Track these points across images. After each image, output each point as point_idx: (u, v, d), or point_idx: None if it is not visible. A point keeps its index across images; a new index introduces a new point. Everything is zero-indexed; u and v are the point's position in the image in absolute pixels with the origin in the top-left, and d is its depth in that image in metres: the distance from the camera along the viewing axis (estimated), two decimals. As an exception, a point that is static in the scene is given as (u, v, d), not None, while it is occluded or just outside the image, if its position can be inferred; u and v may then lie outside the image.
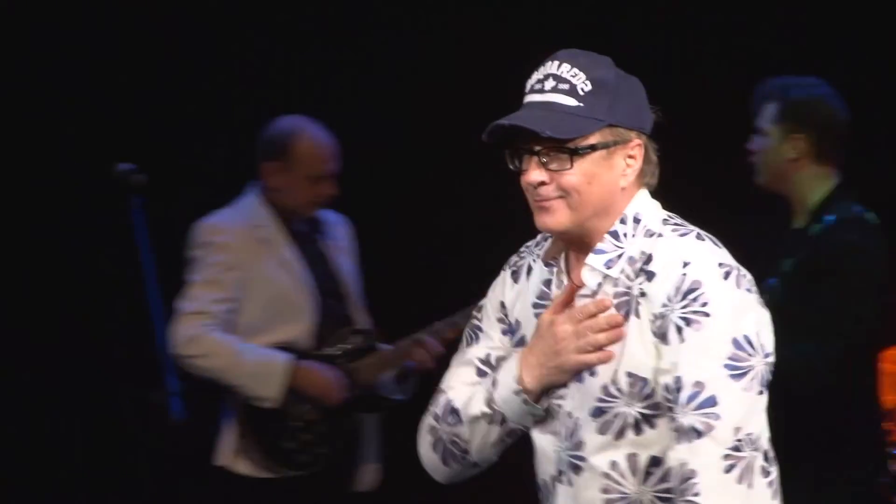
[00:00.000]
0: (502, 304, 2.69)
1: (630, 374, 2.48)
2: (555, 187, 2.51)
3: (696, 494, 2.41)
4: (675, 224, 2.57)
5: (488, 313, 2.70)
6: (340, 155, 4.66)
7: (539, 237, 2.69)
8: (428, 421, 2.69)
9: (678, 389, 2.43)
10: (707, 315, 2.44)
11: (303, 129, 4.57)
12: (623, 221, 2.55)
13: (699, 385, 2.42)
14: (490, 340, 2.69)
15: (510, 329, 2.68)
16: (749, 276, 2.52)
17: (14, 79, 5.64)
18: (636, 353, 2.48)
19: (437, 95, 5.73)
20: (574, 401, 2.54)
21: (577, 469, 2.53)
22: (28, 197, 5.77)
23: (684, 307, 2.45)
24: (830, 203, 4.03)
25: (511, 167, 2.55)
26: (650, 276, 2.50)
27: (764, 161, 4.12)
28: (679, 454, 2.43)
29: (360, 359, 4.58)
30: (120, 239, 4.21)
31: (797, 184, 4.07)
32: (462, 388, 2.66)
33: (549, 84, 2.52)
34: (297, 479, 4.45)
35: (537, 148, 2.50)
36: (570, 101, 2.50)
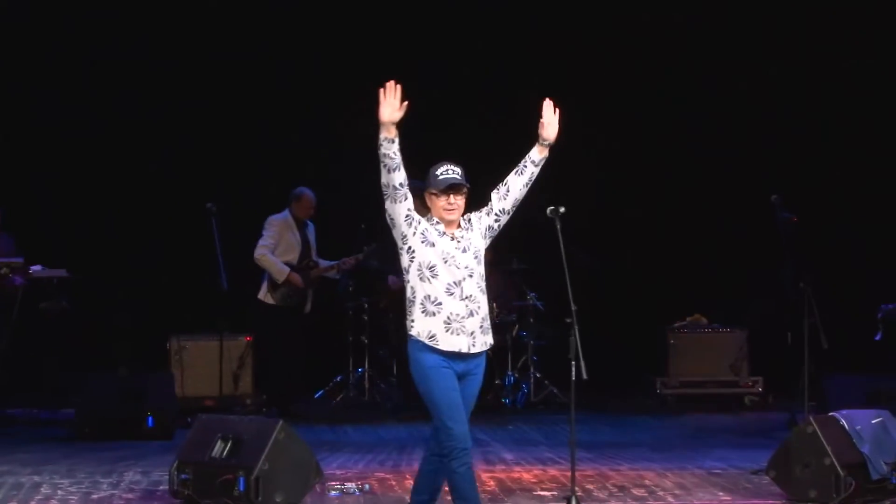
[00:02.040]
0: None
1: None
2: (458, 203, 6.87)
3: None
4: None
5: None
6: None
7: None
8: None
9: None
10: None
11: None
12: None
13: None
14: None
15: None
16: None
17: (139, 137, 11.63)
18: None
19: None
20: None
21: None
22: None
23: None
24: None
25: (444, 197, 6.85)
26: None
27: None
28: None
29: (311, 269, 12.63)
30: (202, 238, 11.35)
31: None
32: None
33: (454, 169, 6.87)
34: (286, 308, 12.53)
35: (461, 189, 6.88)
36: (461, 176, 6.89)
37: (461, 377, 6.79)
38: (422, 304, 6.75)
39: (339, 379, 13.64)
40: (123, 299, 13.36)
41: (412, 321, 6.76)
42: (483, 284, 6.84)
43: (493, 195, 6.94)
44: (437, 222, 6.83)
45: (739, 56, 14.52)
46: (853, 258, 14.15)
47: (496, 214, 6.92)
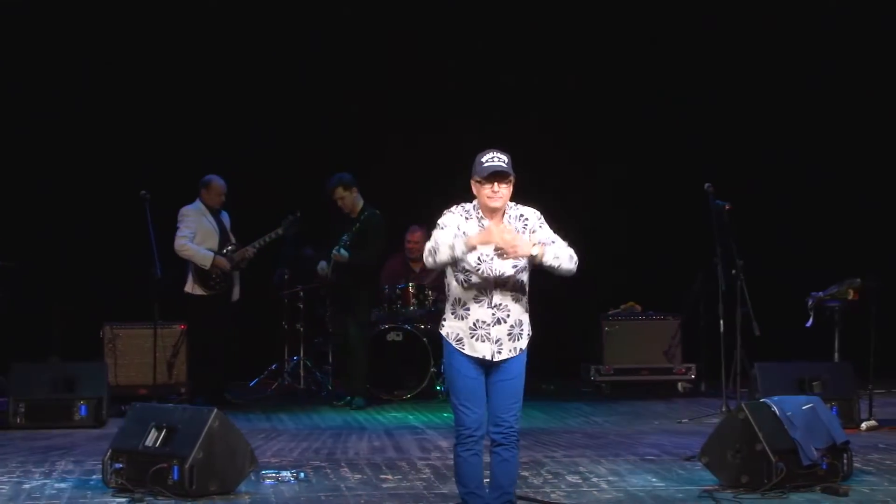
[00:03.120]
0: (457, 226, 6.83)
1: None
2: (502, 192, 6.82)
3: None
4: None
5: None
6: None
7: (466, 206, 6.92)
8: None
9: None
10: None
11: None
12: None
13: None
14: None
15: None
16: None
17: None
18: None
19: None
20: None
21: None
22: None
23: None
24: None
25: (488, 185, 6.77)
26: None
27: None
28: None
29: (233, 253, 12.48)
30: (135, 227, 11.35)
31: None
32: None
33: (499, 157, 6.77)
34: (215, 296, 12.43)
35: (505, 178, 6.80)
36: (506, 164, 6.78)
37: (488, 375, 6.87)
38: (453, 305, 6.87)
39: (274, 367, 13.63)
40: (56, 287, 13.25)
41: (444, 320, 6.91)
42: (517, 292, 6.86)
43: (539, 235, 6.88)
44: (481, 217, 6.84)
45: (670, 47, 14.59)
46: (784, 246, 14.27)
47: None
